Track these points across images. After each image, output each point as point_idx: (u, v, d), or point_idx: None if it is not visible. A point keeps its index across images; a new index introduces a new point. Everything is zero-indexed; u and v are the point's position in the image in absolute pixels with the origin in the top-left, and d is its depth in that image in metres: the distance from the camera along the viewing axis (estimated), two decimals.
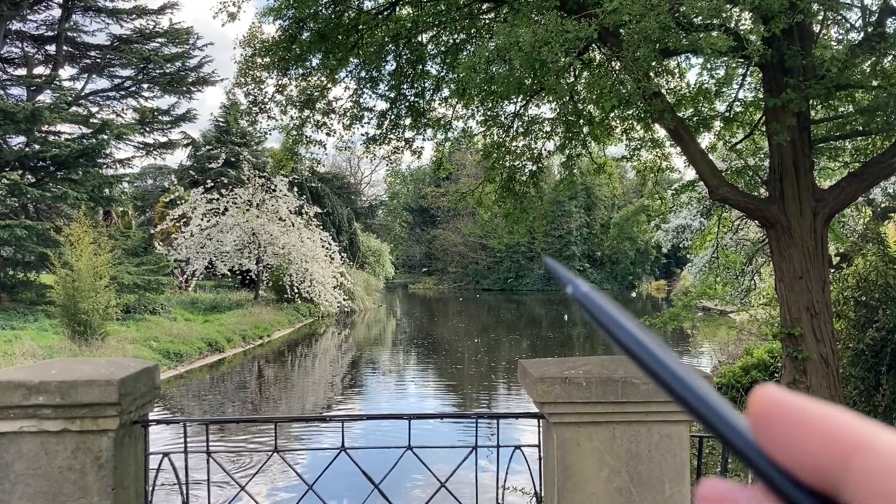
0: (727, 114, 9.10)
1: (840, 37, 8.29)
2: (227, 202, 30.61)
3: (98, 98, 27.40)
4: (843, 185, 7.66)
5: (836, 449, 0.29)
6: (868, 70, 7.29)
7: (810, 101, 7.49)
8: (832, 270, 10.09)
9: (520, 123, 10.53)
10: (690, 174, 10.93)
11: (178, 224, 30.18)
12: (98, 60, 26.97)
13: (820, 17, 7.80)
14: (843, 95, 7.94)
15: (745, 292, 16.23)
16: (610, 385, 2.70)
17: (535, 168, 10.82)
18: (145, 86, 27.91)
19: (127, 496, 2.77)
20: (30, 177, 22.39)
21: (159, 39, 27.48)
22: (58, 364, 2.79)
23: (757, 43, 6.25)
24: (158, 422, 3.17)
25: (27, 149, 22.10)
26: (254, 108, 10.30)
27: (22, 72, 26.10)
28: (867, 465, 0.28)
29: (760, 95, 8.28)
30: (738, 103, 9.15)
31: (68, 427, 2.57)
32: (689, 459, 2.87)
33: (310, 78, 10.09)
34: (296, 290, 31.00)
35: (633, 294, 55.80)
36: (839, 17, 7.99)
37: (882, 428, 0.30)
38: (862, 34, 7.34)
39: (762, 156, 10.95)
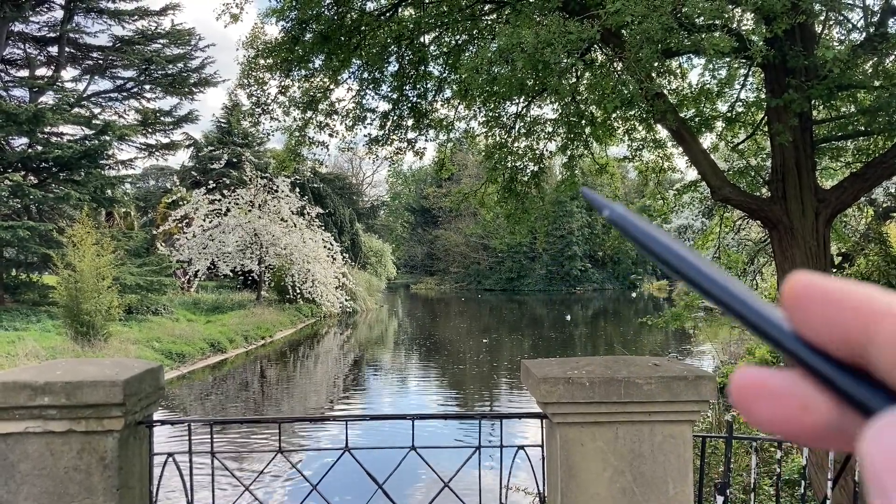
0: (729, 114, 9.09)
1: (842, 37, 8.28)
2: (230, 203, 30.66)
3: (100, 99, 27.46)
4: (845, 185, 7.65)
5: (861, 318, 0.31)
6: (870, 70, 7.29)
7: (812, 102, 7.49)
8: (834, 270, 10.09)
9: (522, 124, 10.53)
10: (692, 174, 10.95)
11: (180, 225, 30.23)
12: (100, 62, 27.02)
13: (822, 18, 7.80)
14: (845, 96, 7.93)
15: None
16: (613, 385, 2.71)
17: (536, 169, 10.82)
18: (147, 87, 27.96)
19: (132, 496, 2.78)
20: (32, 178, 22.43)
21: (161, 40, 27.52)
22: (63, 365, 2.80)
23: (759, 43, 6.25)
24: (163, 422, 3.18)
25: (30, 150, 22.14)
26: (257, 110, 10.30)
27: (24, 73, 26.16)
28: (891, 330, 0.30)
29: (762, 96, 8.28)
30: (740, 104, 9.14)
31: (73, 427, 2.58)
32: (693, 459, 2.88)
33: (312, 79, 10.09)
34: (298, 291, 31.04)
35: (634, 294, 55.77)
36: (841, 18, 7.99)
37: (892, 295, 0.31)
38: (864, 34, 7.34)
39: (764, 156, 10.95)
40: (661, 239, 0.38)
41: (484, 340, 28.53)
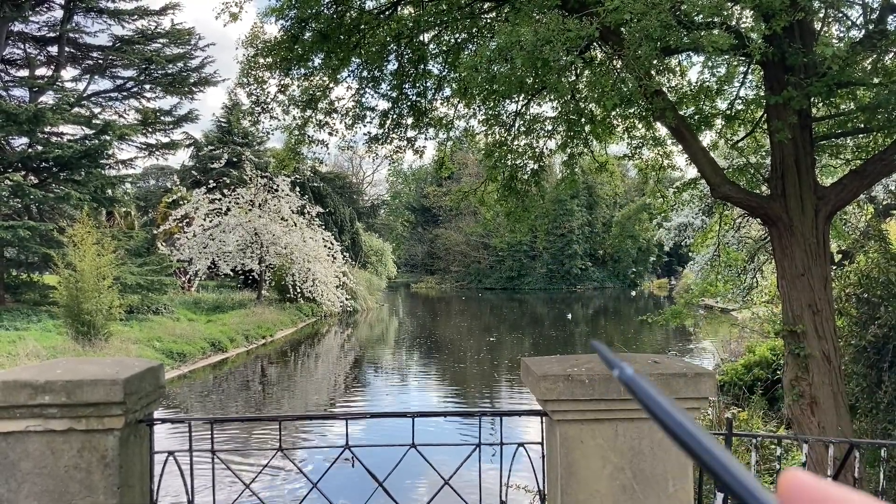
0: (728, 112, 9.10)
1: (841, 34, 8.28)
2: (230, 202, 30.66)
3: (100, 99, 27.46)
4: (844, 182, 7.66)
5: None
6: (869, 67, 7.29)
7: (811, 99, 7.49)
8: (834, 267, 10.09)
9: (521, 122, 10.54)
10: (692, 172, 10.94)
11: (180, 224, 30.24)
12: (100, 61, 27.01)
13: (821, 15, 7.80)
14: (844, 93, 7.94)
15: (747, 290, 16.23)
16: (612, 382, 2.71)
17: (536, 167, 10.83)
18: (147, 86, 27.95)
19: (132, 495, 2.79)
20: (33, 178, 22.43)
21: (161, 40, 27.52)
22: (63, 364, 2.81)
23: (758, 41, 6.25)
24: (164, 421, 3.19)
25: (30, 150, 22.14)
26: (256, 108, 10.31)
27: (24, 73, 26.16)
28: None
29: (762, 93, 8.28)
30: (740, 101, 9.14)
31: (74, 426, 2.59)
32: None
33: (312, 78, 10.10)
34: (298, 290, 31.05)
35: (633, 293, 55.75)
36: (840, 15, 7.99)
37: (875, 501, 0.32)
38: (863, 32, 7.34)
39: (763, 153, 10.96)
40: (670, 409, 0.38)
41: (490, 339, 28.55)
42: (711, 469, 0.36)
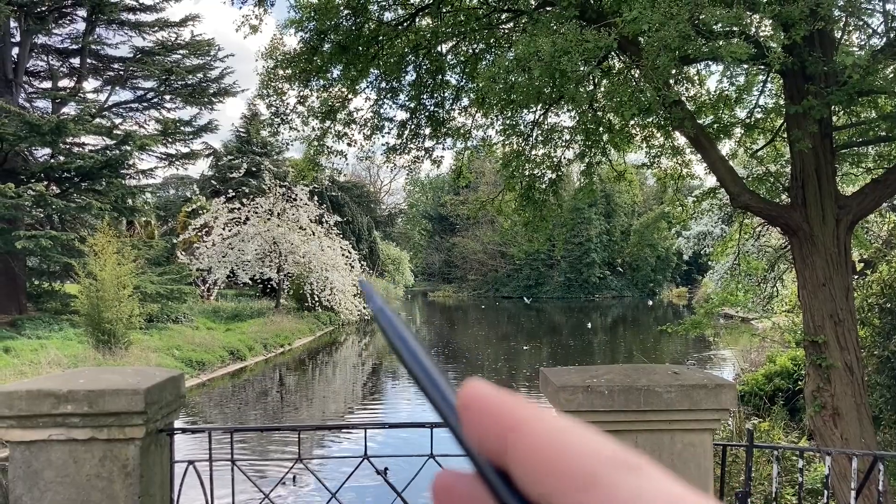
0: (748, 121, 9.05)
1: (862, 42, 8.23)
2: (249, 211, 30.85)
3: (121, 110, 27.74)
4: (866, 191, 7.59)
5: (500, 429, 0.34)
6: (891, 75, 7.23)
7: (832, 108, 7.44)
8: (856, 277, 9.98)
9: (539, 132, 10.54)
10: (711, 181, 10.88)
11: (199, 234, 30.45)
12: (121, 73, 27.31)
13: (841, 24, 7.76)
14: (865, 101, 7.88)
15: (768, 299, 16.09)
16: (632, 393, 2.70)
17: (554, 176, 10.82)
18: (167, 97, 28.21)
19: None
20: (55, 188, 22.69)
21: (181, 51, 27.77)
22: (85, 373, 2.84)
23: (777, 50, 6.22)
24: (184, 430, 3.21)
25: (52, 160, 22.41)
26: (276, 119, 10.39)
27: (47, 85, 26.50)
28: (520, 442, 0.33)
29: (781, 102, 8.24)
30: (759, 110, 9.10)
31: (96, 435, 2.61)
32: (713, 468, 2.86)
33: (331, 89, 10.16)
34: (316, 299, 31.13)
35: (651, 303, 55.37)
36: (861, 23, 7.94)
37: (539, 409, 0.35)
38: (884, 39, 7.29)
39: (783, 162, 10.88)
40: (405, 335, 0.41)
41: (525, 347, 28.44)
42: (433, 402, 0.39)
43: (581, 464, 0.32)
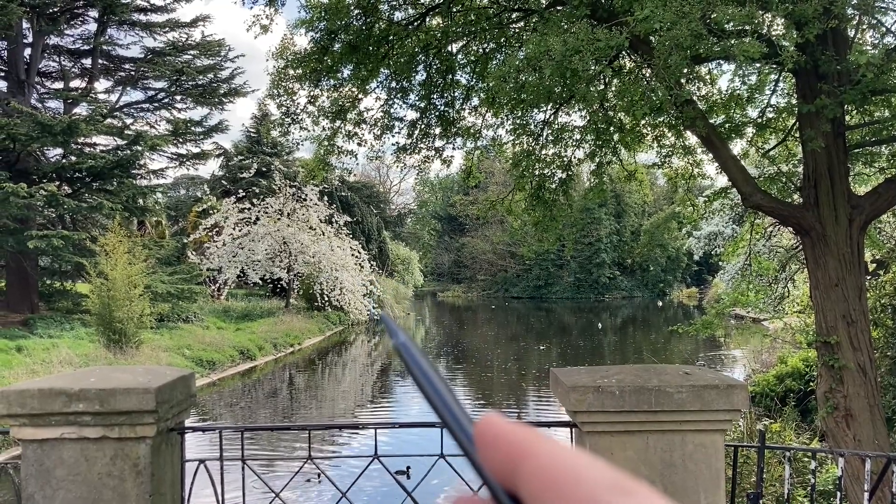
0: (760, 120, 8.99)
1: (875, 41, 8.17)
2: (259, 211, 30.94)
3: (132, 110, 27.86)
4: (879, 190, 7.53)
5: (512, 457, 0.38)
6: None
7: (845, 107, 7.39)
8: (869, 277, 9.92)
9: (549, 132, 10.51)
10: (722, 181, 10.83)
11: (210, 233, 30.56)
12: (132, 73, 27.44)
13: (855, 22, 7.70)
14: (879, 100, 7.81)
15: (779, 300, 16.00)
16: (643, 394, 2.68)
17: (564, 176, 10.78)
18: (178, 97, 28.31)
19: (164, 503, 2.81)
20: (66, 188, 22.81)
21: (192, 52, 27.87)
22: (97, 372, 2.84)
23: (790, 49, 6.18)
24: (195, 429, 3.22)
25: (64, 161, 22.54)
26: (286, 119, 10.40)
27: (59, 85, 26.64)
28: (529, 469, 0.37)
29: (793, 101, 8.19)
30: (771, 109, 9.04)
31: (107, 434, 2.62)
32: (724, 469, 2.85)
33: (341, 89, 10.16)
34: (326, 299, 31.18)
35: (661, 303, 55.13)
36: (874, 22, 7.88)
37: (548, 439, 0.39)
38: None
39: (796, 162, 10.81)
40: (429, 371, 0.44)
41: (541, 347, 28.39)
42: (451, 430, 0.42)
43: (583, 489, 0.35)
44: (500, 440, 0.39)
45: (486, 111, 10.59)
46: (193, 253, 30.09)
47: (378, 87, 10.43)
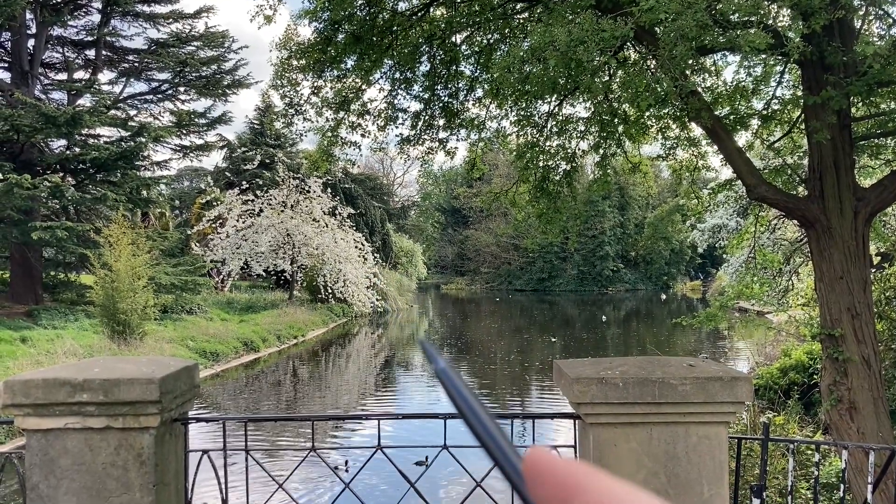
0: (765, 112, 8.96)
1: (882, 32, 8.12)
2: (262, 203, 30.96)
3: (136, 101, 27.87)
4: (885, 183, 7.50)
5: (563, 493, 0.39)
6: None
7: (851, 99, 7.35)
8: (874, 270, 9.89)
9: (554, 123, 10.47)
10: (727, 173, 10.79)
11: (214, 225, 30.60)
12: (136, 64, 27.44)
13: (861, 13, 7.65)
14: (885, 92, 7.77)
15: (783, 293, 15.98)
16: (647, 386, 2.68)
17: (569, 168, 10.76)
18: (182, 89, 28.30)
19: (168, 493, 2.82)
20: (70, 179, 22.84)
21: (195, 43, 27.85)
22: (101, 363, 2.85)
23: (796, 40, 6.15)
24: (198, 419, 3.22)
25: (68, 152, 22.56)
26: (290, 111, 10.38)
27: (62, 76, 26.65)
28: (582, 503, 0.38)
29: (799, 93, 8.14)
30: (777, 101, 9.00)
31: (111, 424, 2.62)
32: (728, 461, 2.84)
33: (345, 79, 10.13)
34: (329, 291, 31.23)
35: (664, 296, 55.07)
36: (881, 13, 7.83)
37: (598, 474, 0.40)
38: None
39: (801, 154, 10.77)
40: (469, 398, 0.45)
41: (553, 339, 28.40)
42: (499, 465, 0.42)
43: None
44: (549, 475, 0.40)
45: (490, 102, 10.55)
46: (197, 244, 30.14)
47: (382, 77, 10.40)
